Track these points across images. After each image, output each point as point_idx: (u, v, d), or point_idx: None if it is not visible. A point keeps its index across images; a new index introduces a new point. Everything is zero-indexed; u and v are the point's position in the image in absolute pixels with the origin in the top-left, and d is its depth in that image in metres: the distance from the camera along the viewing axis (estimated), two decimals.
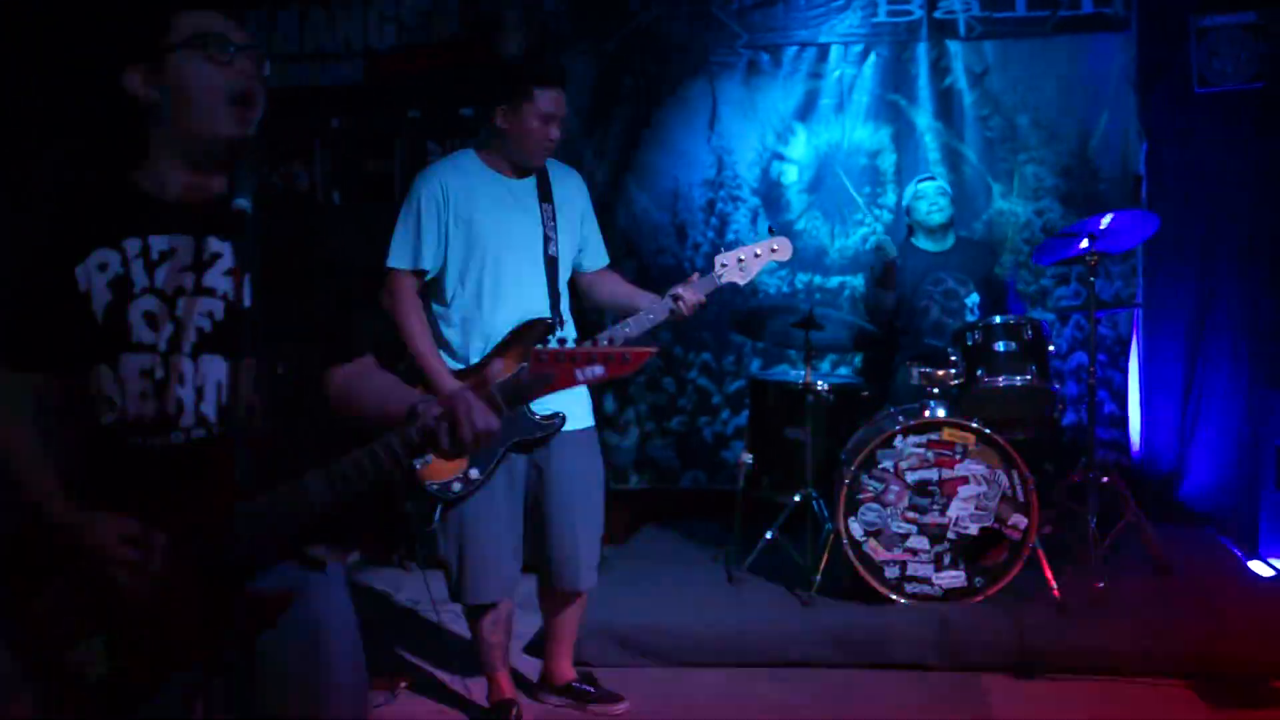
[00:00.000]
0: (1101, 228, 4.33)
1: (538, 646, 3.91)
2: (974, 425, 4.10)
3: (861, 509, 4.11)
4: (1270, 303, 5.20)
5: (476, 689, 3.68)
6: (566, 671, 3.69)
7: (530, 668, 3.90)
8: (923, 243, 5.00)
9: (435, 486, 3.27)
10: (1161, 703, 3.58)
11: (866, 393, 4.79)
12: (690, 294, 3.31)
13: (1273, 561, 4.80)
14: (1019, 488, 4.08)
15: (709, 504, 5.38)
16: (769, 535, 4.50)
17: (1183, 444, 5.33)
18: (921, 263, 4.92)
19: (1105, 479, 4.45)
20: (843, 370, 5.53)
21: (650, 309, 3.32)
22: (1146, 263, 5.36)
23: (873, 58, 5.49)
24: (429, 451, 1.81)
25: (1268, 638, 3.81)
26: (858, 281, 5.49)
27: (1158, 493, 5.32)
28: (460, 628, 3.84)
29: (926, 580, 4.09)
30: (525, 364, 2.00)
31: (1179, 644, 3.82)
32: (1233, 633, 3.88)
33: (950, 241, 4.99)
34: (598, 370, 1.83)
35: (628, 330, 3.28)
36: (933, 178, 5.06)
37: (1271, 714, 3.49)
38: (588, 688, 3.65)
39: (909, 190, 5.09)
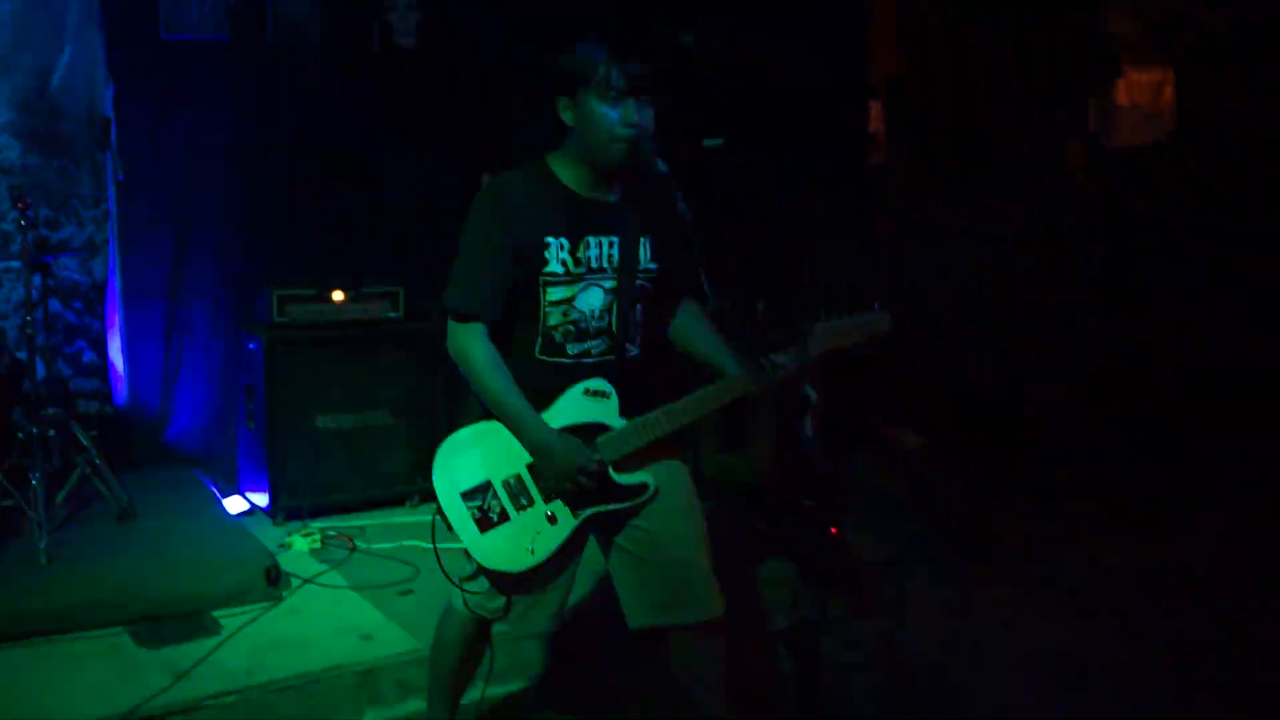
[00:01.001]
0: None
1: None
2: None
3: None
4: (243, 247, 5.42)
5: None
6: None
7: None
8: None
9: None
10: (93, 657, 3.48)
11: None
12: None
13: (249, 495, 5.04)
14: None
15: None
16: None
17: (167, 388, 5.35)
18: None
19: (53, 432, 4.24)
20: None
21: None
22: (120, 208, 5.22)
23: None
24: None
25: (210, 571, 3.95)
26: None
27: (147, 439, 5.30)
28: None
29: None
30: None
31: (121, 591, 3.77)
32: (177, 572, 3.94)
33: None
34: None
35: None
36: None
37: (206, 642, 3.59)
38: None
39: None
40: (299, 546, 4.51)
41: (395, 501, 5.09)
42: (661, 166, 2.54)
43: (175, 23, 5.27)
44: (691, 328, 2.81)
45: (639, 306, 2.67)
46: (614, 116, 2.48)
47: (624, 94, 2.48)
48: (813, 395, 2.55)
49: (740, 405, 2.68)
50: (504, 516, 2.56)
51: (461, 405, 4.50)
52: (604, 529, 2.71)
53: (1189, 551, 4.90)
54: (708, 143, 6.21)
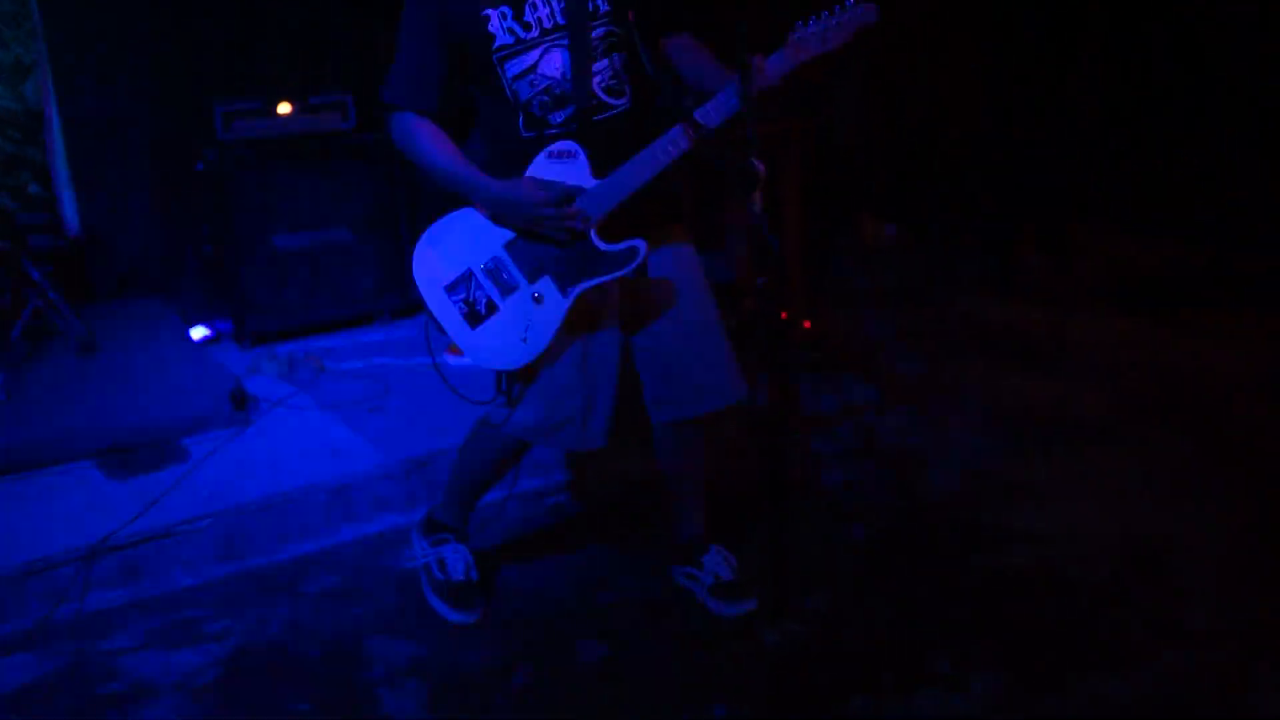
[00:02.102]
0: None
1: None
2: None
3: None
4: (183, 62, 5.13)
5: None
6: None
7: None
8: None
9: None
10: (61, 491, 3.44)
11: None
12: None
13: (213, 322, 4.94)
14: None
15: None
16: None
17: (121, 216, 5.12)
18: None
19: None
20: None
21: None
22: (47, 26, 4.87)
23: None
24: None
25: (175, 399, 3.88)
26: None
27: (105, 270, 5.14)
28: None
29: None
30: None
31: (85, 423, 3.70)
32: (143, 401, 3.87)
33: None
34: None
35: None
36: None
37: (175, 471, 3.54)
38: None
39: None
40: (266, 370, 4.43)
41: (363, 319, 5.00)
42: None
43: None
44: (686, 62, 2.60)
45: (619, 56, 2.49)
46: None
47: None
48: (760, 168, 2.38)
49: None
50: (491, 307, 2.50)
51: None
52: (605, 312, 2.58)
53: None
54: None
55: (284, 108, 4.77)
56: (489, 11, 2.39)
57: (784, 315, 4.92)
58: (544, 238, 2.46)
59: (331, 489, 3.39)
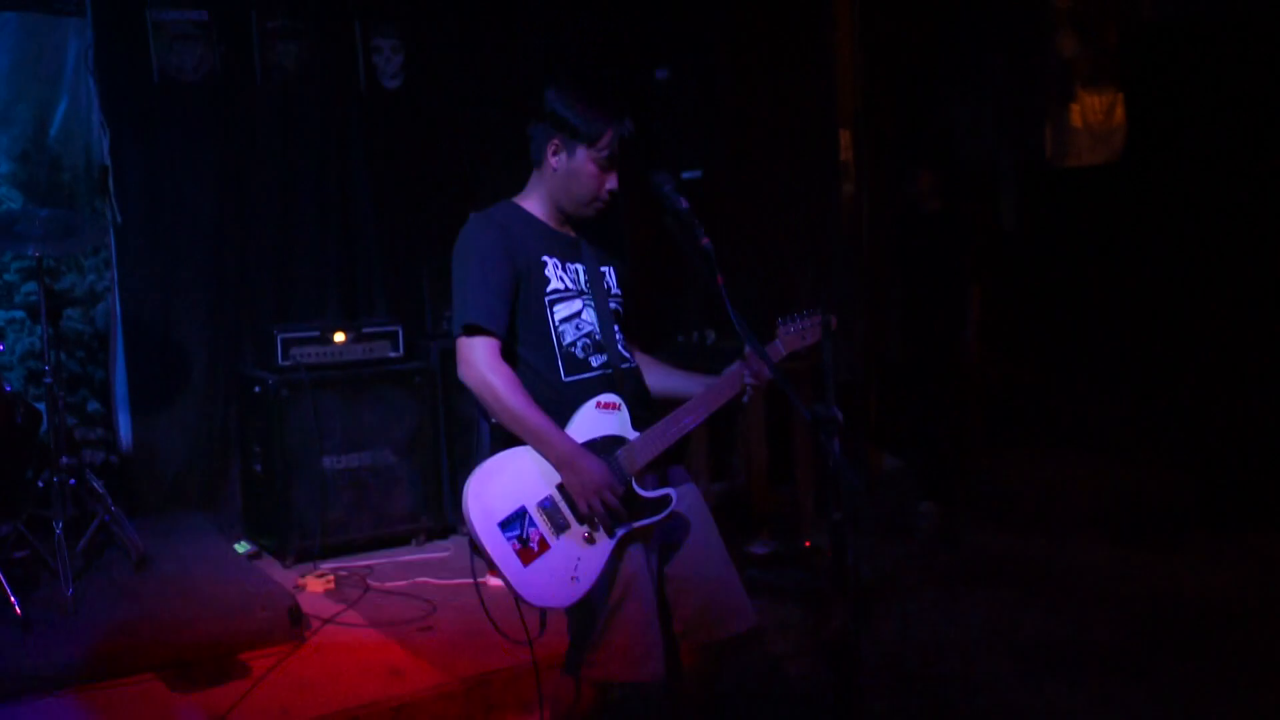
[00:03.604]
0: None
1: None
2: None
3: None
4: (240, 289, 5.50)
5: None
6: None
7: None
8: None
9: None
10: (128, 703, 3.55)
11: None
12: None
13: (256, 538, 5.10)
14: None
15: None
16: None
17: (172, 435, 5.37)
18: None
19: (73, 481, 4.30)
20: None
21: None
22: (121, 254, 5.28)
23: None
24: None
25: (233, 614, 4.03)
26: None
27: (152, 485, 5.35)
28: None
29: None
30: None
31: (149, 637, 3.84)
32: (203, 616, 4.02)
33: None
34: None
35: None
36: None
37: (238, 685, 3.67)
38: None
39: None
40: (313, 588, 4.59)
41: (401, 540, 5.19)
42: (683, 204, 2.72)
43: (167, 68, 5.35)
44: (655, 372, 2.94)
45: (617, 326, 2.81)
46: (600, 183, 2.70)
47: (613, 164, 2.70)
48: (839, 416, 2.66)
49: (732, 407, 2.85)
50: (544, 545, 2.56)
51: (475, 438, 4.65)
52: (645, 550, 2.73)
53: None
54: (686, 175, 6.38)
55: (339, 336, 5.10)
56: (546, 258, 2.71)
57: (808, 544, 5.20)
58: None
59: (394, 708, 3.52)
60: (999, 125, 7.48)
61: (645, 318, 3.11)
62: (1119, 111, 7.65)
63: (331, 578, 4.65)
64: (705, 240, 2.69)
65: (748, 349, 2.77)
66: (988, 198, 7.46)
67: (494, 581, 2.69)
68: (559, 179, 2.71)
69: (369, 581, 4.68)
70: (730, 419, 5.60)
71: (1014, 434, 6.99)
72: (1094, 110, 7.74)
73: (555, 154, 2.70)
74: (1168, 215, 6.89)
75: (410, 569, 4.84)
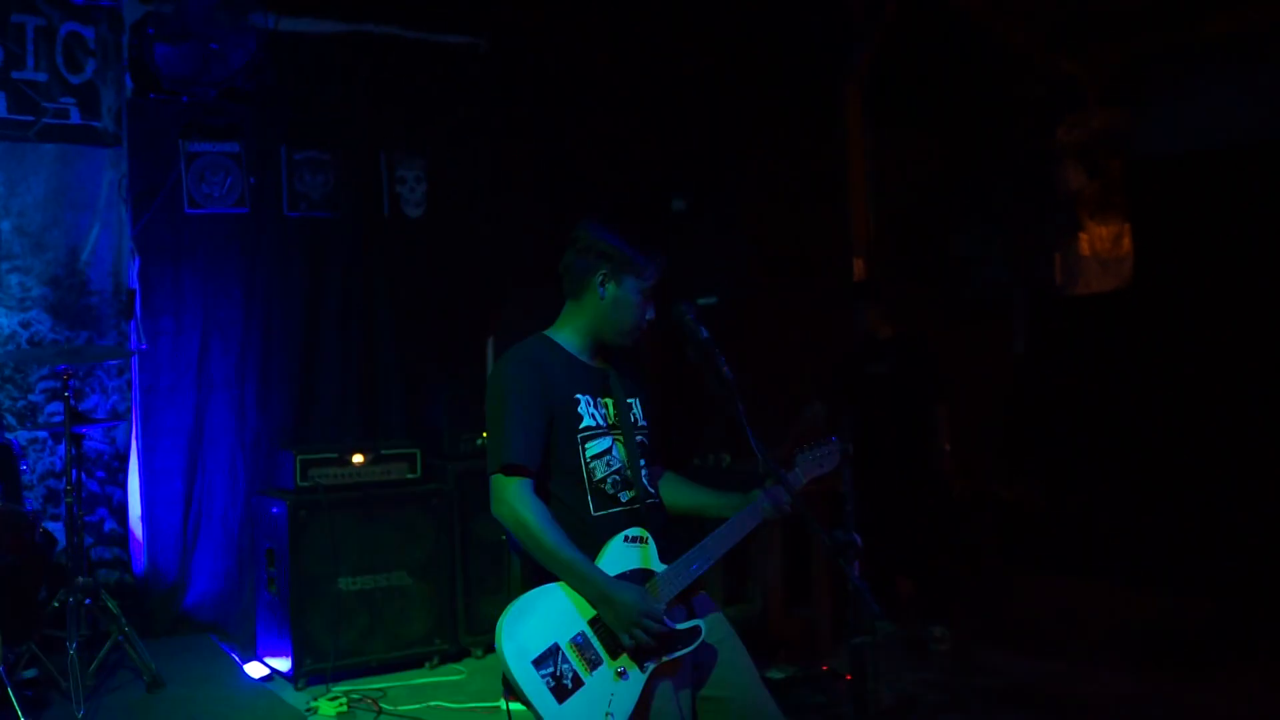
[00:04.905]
0: None
1: None
2: None
3: None
4: (259, 412, 5.56)
5: None
6: None
7: None
8: None
9: None
10: None
11: None
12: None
13: (267, 660, 5.05)
14: None
15: None
16: None
17: (186, 555, 5.40)
18: None
19: (89, 600, 4.29)
20: None
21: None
22: (142, 376, 5.36)
23: None
24: None
25: None
26: None
27: (164, 606, 5.32)
28: None
29: None
30: None
31: None
32: None
33: None
34: None
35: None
36: None
37: None
38: None
39: None
40: (325, 710, 4.52)
41: (415, 663, 5.11)
42: (704, 333, 2.80)
43: (199, 198, 5.52)
44: (679, 489, 3.02)
45: (643, 460, 2.83)
46: (642, 312, 2.82)
47: (654, 295, 2.83)
48: (859, 541, 2.71)
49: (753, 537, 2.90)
50: (577, 681, 2.57)
51: (505, 570, 4.63)
52: (674, 683, 2.72)
53: None
54: (702, 301, 6.49)
55: (358, 458, 5.13)
56: (580, 396, 2.76)
57: (825, 668, 5.11)
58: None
59: None
60: (1009, 254, 7.62)
61: (663, 441, 3.15)
62: (1126, 241, 7.80)
63: (344, 698, 4.59)
64: (726, 369, 2.78)
65: (768, 480, 2.84)
66: (1000, 321, 7.55)
67: (516, 706, 2.68)
68: (604, 309, 2.80)
69: (381, 705, 4.60)
70: (744, 541, 5.55)
71: (1030, 558, 6.90)
72: (1102, 239, 7.88)
73: (603, 285, 2.79)
74: (1179, 338, 6.96)
75: (424, 692, 4.77)
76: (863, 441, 5.81)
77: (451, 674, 5.07)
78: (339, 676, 4.88)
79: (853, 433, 5.79)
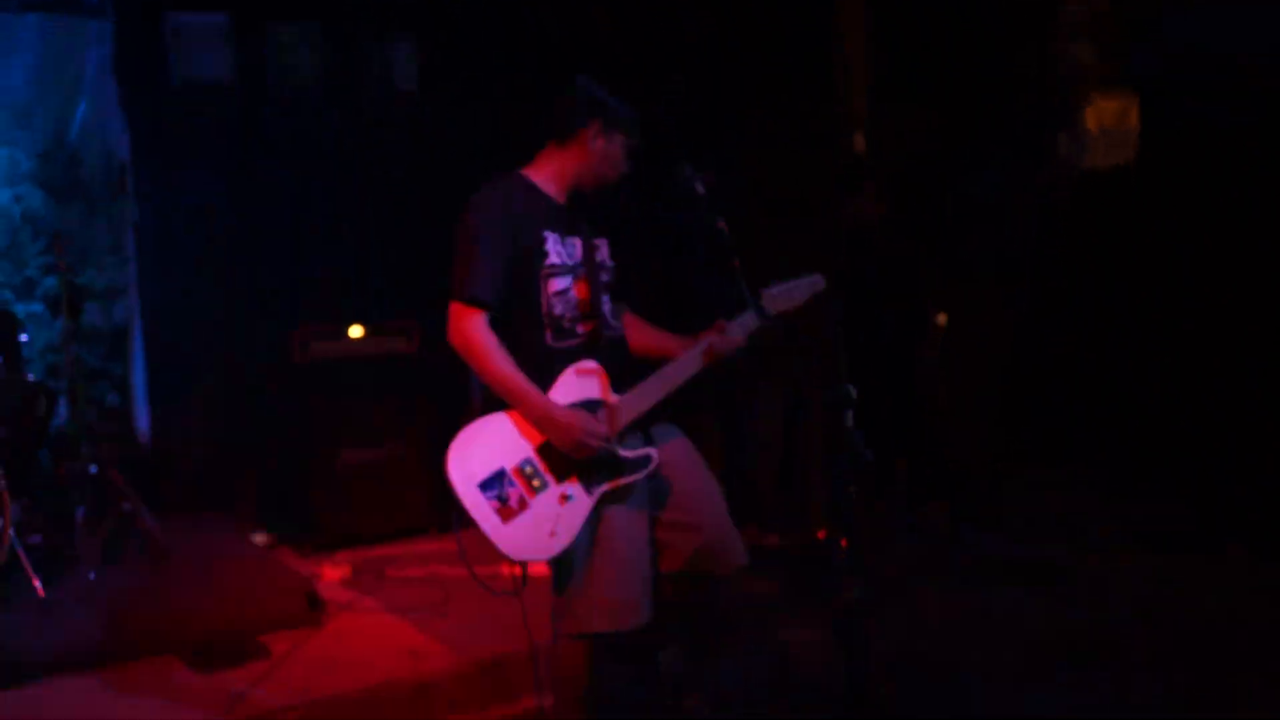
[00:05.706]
0: None
1: None
2: None
3: None
4: (257, 286, 5.53)
5: None
6: None
7: None
8: None
9: None
10: (148, 683, 3.58)
11: None
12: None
13: (274, 530, 5.14)
14: None
15: None
16: None
17: (188, 429, 5.41)
18: None
19: (94, 469, 4.34)
20: None
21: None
22: (140, 251, 5.33)
23: None
24: None
25: (252, 599, 4.06)
26: None
27: (169, 478, 5.38)
28: None
29: None
30: None
31: (168, 620, 3.87)
32: (221, 601, 4.05)
33: None
34: None
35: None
36: None
37: (256, 666, 3.69)
38: None
39: None
40: (330, 575, 4.61)
41: (418, 531, 5.19)
42: (700, 189, 2.90)
43: (185, 70, 5.41)
44: (641, 329, 3.09)
45: (607, 296, 2.95)
46: (623, 166, 2.97)
47: (632, 152, 2.98)
48: (869, 455, 2.78)
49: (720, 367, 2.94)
50: (523, 504, 2.68)
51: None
52: (628, 507, 2.82)
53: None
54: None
55: (357, 331, 5.13)
56: (548, 233, 2.84)
57: (821, 535, 5.19)
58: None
59: (415, 686, 3.54)
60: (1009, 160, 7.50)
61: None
62: (1134, 114, 7.68)
63: (348, 566, 4.68)
64: (720, 223, 2.84)
65: (730, 322, 2.92)
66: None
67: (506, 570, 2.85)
68: (591, 158, 2.91)
69: (385, 570, 4.69)
70: (745, 411, 5.57)
71: (1037, 448, 6.85)
72: (1109, 113, 7.76)
73: (594, 136, 2.89)
74: (1184, 224, 6.84)
75: (427, 558, 4.86)
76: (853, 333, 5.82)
77: (453, 541, 5.14)
78: (344, 545, 4.97)
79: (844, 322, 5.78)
